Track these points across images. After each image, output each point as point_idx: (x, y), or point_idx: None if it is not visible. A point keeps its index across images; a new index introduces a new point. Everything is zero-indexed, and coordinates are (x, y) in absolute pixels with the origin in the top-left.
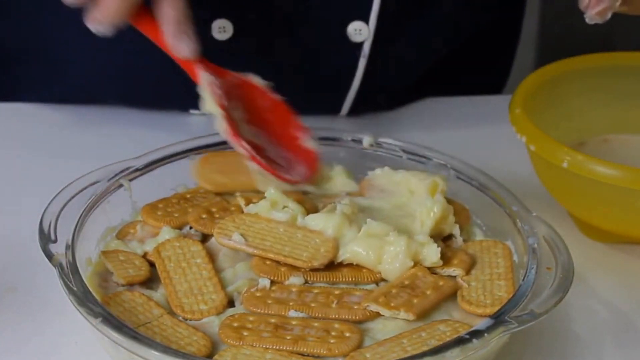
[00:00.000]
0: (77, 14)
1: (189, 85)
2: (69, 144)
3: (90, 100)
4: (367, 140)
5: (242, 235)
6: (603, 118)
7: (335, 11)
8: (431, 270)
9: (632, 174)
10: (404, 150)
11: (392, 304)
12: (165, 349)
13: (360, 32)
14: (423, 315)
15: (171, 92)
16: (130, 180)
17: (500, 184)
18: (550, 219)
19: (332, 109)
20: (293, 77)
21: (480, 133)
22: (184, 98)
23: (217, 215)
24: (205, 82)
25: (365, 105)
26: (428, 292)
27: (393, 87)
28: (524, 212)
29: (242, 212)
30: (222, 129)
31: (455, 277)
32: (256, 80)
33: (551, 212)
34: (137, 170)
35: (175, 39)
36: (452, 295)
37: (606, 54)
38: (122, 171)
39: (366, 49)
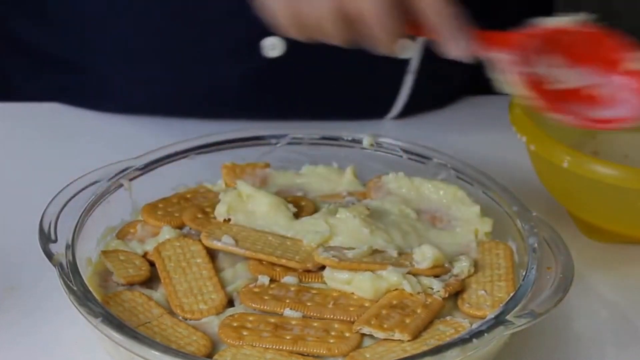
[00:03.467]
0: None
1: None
2: (69, 144)
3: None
4: (367, 140)
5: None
6: None
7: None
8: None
9: (632, 174)
10: (404, 150)
11: (385, 326)
12: (165, 349)
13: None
14: (417, 334)
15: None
16: (130, 180)
17: (500, 184)
18: (550, 219)
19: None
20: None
21: (480, 133)
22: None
23: (212, 215)
24: (502, 64)
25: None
26: (419, 311)
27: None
28: (524, 212)
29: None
30: (536, 106)
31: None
32: (553, 22)
33: (551, 212)
34: (137, 170)
35: (449, 42)
36: (440, 312)
37: None
38: (122, 171)
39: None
